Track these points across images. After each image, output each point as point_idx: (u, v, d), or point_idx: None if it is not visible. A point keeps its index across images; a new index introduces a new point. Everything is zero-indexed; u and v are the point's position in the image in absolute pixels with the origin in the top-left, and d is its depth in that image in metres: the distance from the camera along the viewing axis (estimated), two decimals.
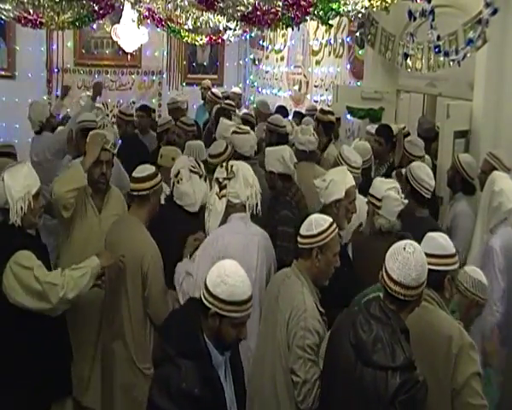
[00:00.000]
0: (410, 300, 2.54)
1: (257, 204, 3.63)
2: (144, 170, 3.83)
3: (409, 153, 5.35)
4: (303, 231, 3.08)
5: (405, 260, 2.50)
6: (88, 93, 8.72)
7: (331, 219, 3.14)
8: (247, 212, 3.62)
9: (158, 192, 3.89)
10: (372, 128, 6.16)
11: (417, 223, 4.01)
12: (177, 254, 3.79)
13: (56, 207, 3.99)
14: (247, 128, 5.48)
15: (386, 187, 3.89)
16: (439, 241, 2.86)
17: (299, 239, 3.11)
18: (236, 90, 9.72)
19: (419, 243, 3.64)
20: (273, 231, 4.08)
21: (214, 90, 8.75)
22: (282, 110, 7.98)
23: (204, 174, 4.12)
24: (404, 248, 2.54)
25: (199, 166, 4.11)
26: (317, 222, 3.07)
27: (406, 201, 3.94)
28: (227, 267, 2.42)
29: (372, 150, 5.60)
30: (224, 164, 3.68)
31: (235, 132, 5.28)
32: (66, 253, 4.11)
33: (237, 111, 7.67)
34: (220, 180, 3.60)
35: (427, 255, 2.68)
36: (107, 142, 4.09)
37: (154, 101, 10.98)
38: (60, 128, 6.36)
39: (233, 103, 7.74)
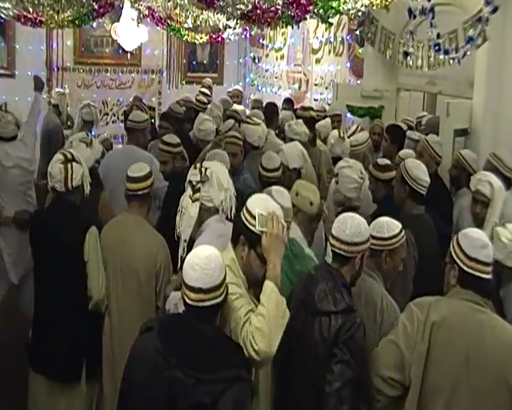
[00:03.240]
0: (345, 255, 2.85)
1: (231, 208, 3.45)
2: (141, 169, 3.91)
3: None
4: (373, 231, 3.10)
5: (343, 219, 2.90)
6: (58, 89, 8.68)
7: (401, 225, 3.20)
8: (219, 214, 3.45)
9: (152, 191, 4.02)
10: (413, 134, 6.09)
11: (414, 220, 4.00)
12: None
13: None
14: (258, 120, 5.83)
15: (342, 164, 4.45)
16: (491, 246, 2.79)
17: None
18: (238, 87, 9.72)
19: (418, 239, 3.64)
20: None
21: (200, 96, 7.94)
22: (289, 104, 8.08)
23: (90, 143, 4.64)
24: (348, 214, 2.95)
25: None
26: (388, 226, 3.16)
27: (362, 180, 4.37)
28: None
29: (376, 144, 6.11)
30: (198, 166, 3.53)
31: (246, 123, 5.78)
32: None
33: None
34: (194, 183, 3.44)
35: (487, 264, 2.70)
36: None
37: (153, 99, 10.99)
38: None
39: (205, 100, 7.66)
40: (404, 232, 3.20)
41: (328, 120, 6.74)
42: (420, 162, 4.31)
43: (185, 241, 3.37)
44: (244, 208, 2.66)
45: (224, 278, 2.43)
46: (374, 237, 3.08)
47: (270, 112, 7.07)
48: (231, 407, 2.27)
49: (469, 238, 2.79)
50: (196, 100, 7.66)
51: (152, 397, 2.32)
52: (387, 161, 4.74)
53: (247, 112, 7.32)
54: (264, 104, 8.13)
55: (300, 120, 6.11)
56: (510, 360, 2.60)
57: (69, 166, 3.78)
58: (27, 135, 5.47)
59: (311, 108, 6.54)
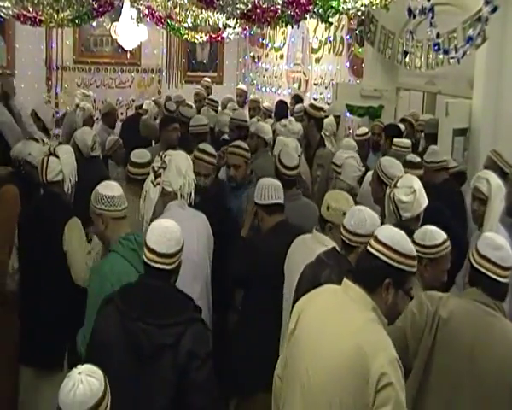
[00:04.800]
0: (348, 243, 3.01)
1: (190, 194, 3.82)
2: (144, 155, 4.31)
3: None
4: (416, 238, 3.09)
5: (352, 210, 3.07)
6: (83, 90, 8.74)
7: (445, 236, 3.18)
8: (180, 200, 3.78)
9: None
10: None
11: None
12: None
13: None
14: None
15: (346, 156, 4.73)
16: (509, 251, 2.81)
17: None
18: (242, 87, 9.72)
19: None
20: None
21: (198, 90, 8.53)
22: (283, 105, 8.06)
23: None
24: (358, 207, 3.13)
25: None
26: (432, 235, 3.13)
27: (363, 168, 4.72)
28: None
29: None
30: (161, 153, 3.86)
31: (258, 120, 6.06)
32: None
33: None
34: (155, 169, 3.79)
35: (500, 267, 2.73)
36: None
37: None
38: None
39: (216, 99, 8.00)
40: (447, 243, 3.15)
41: (331, 117, 6.75)
42: (395, 160, 4.28)
43: (147, 222, 3.71)
44: (383, 246, 2.34)
45: (178, 252, 2.70)
46: (416, 244, 3.03)
47: (280, 109, 7.39)
48: (191, 344, 2.54)
49: (486, 238, 2.85)
50: (209, 99, 7.97)
51: (121, 351, 2.58)
52: (419, 159, 4.76)
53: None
54: (262, 103, 8.21)
55: (293, 119, 6.24)
56: None
57: (45, 159, 3.84)
58: None
59: (322, 109, 6.47)
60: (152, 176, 3.79)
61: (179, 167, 3.78)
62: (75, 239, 3.81)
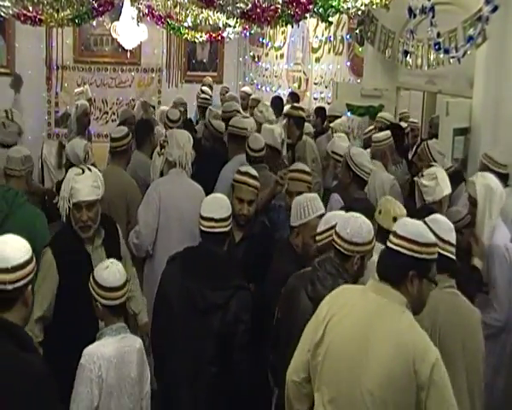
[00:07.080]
0: (344, 252, 2.91)
1: (187, 163, 4.42)
2: (121, 131, 5.04)
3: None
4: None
5: (347, 218, 2.97)
6: (86, 86, 8.77)
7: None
8: (178, 168, 4.40)
9: (130, 146, 5.09)
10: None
11: (356, 203, 3.96)
12: None
13: None
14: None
15: (347, 145, 5.01)
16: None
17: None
18: (246, 89, 9.71)
19: None
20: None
21: (204, 91, 8.19)
22: (278, 101, 8.10)
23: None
24: (352, 214, 2.98)
25: None
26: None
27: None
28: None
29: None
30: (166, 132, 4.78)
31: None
32: None
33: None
34: (161, 142, 4.57)
35: (452, 245, 2.92)
36: None
37: (153, 98, 10.98)
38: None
39: (207, 97, 7.89)
40: None
41: (344, 118, 6.75)
42: (363, 151, 4.62)
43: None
44: (404, 241, 2.39)
45: (230, 217, 3.24)
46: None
47: (276, 105, 7.42)
48: (237, 308, 3.09)
49: (440, 222, 2.94)
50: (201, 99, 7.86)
51: (179, 305, 3.13)
52: None
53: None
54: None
55: (267, 105, 6.63)
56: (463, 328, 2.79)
57: None
58: None
59: (301, 108, 6.45)
60: (158, 148, 4.60)
61: (178, 141, 4.43)
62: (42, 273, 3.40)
